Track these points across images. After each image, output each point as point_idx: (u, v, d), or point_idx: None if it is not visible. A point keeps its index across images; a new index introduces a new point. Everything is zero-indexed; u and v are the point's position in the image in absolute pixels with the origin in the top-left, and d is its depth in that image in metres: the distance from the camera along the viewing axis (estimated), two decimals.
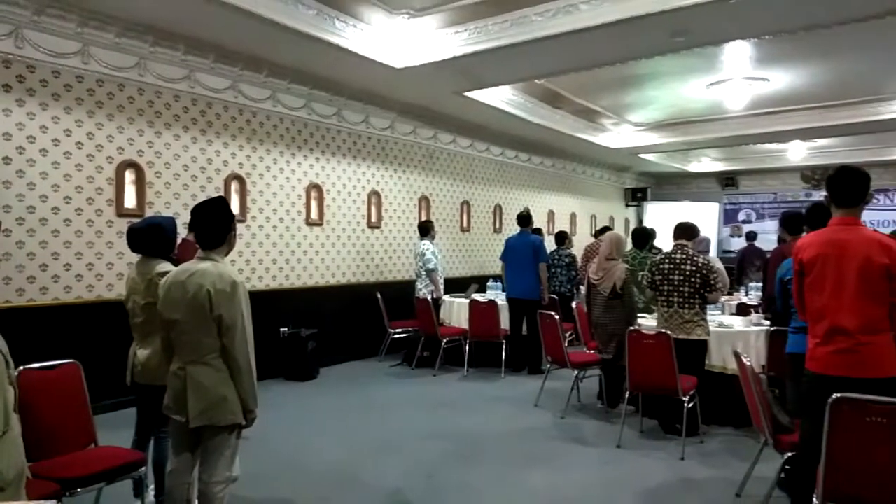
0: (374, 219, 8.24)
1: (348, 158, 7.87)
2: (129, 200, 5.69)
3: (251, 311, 2.72)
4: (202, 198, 5.43)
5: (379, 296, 7.67)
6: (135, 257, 3.47)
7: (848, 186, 2.93)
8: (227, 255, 2.83)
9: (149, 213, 5.74)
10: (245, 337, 2.62)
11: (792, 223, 4.96)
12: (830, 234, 2.96)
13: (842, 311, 2.88)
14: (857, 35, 6.08)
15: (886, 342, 2.88)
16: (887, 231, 5.08)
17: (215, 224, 2.73)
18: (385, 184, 8.44)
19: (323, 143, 7.53)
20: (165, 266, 3.28)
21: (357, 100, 7.69)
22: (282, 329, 6.87)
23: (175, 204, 5.95)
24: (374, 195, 8.25)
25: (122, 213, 5.62)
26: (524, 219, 7.62)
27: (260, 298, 6.64)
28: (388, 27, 6.09)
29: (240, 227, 6.50)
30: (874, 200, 13.23)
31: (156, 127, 5.89)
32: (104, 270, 5.53)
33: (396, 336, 7.75)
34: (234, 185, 6.51)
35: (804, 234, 4.11)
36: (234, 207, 6.45)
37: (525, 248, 7.29)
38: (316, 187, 7.41)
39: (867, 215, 13.31)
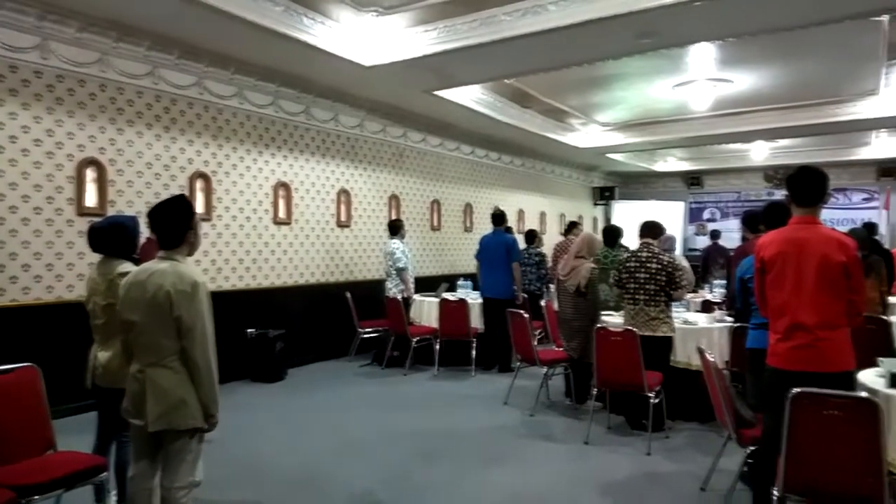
0: (343, 218, 8.18)
1: (317, 157, 7.80)
2: (90, 199, 5.55)
3: (213, 312, 2.67)
4: (165, 196, 5.32)
5: (348, 295, 7.61)
6: (96, 257, 3.39)
7: (807, 186, 3.01)
8: (189, 254, 2.77)
9: (110, 212, 5.61)
10: (205, 339, 2.57)
11: (753, 222, 5.06)
12: (790, 233, 3.04)
13: (801, 308, 2.95)
14: (817, 38, 6.25)
15: (843, 338, 2.97)
16: (845, 229, 5.22)
17: (173, 223, 2.66)
18: (354, 182, 8.39)
19: (291, 140, 7.45)
20: (127, 266, 3.21)
21: (325, 98, 7.63)
22: (248, 330, 6.77)
23: (138, 202, 5.83)
24: (344, 194, 8.19)
25: (82, 212, 5.47)
26: (498, 218, 7.66)
27: (226, 299, 6.56)
28: (356, 25, 6.05)
29: (205, 227, 6.41)
30: (833, 199, 13.62)
31: (118, 124, 5.75)
32: (64, 271, 5.38)
33: (366, 336, 7.70)
34: (198, 184, 6.40)
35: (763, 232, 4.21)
36: (199, 206, 6.35)
37: (499, 247, 7.33)
38: (284, 186, 7.33)
39: (826, 214, 13.67)
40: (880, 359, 3.38)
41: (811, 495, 2.94)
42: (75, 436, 3.49)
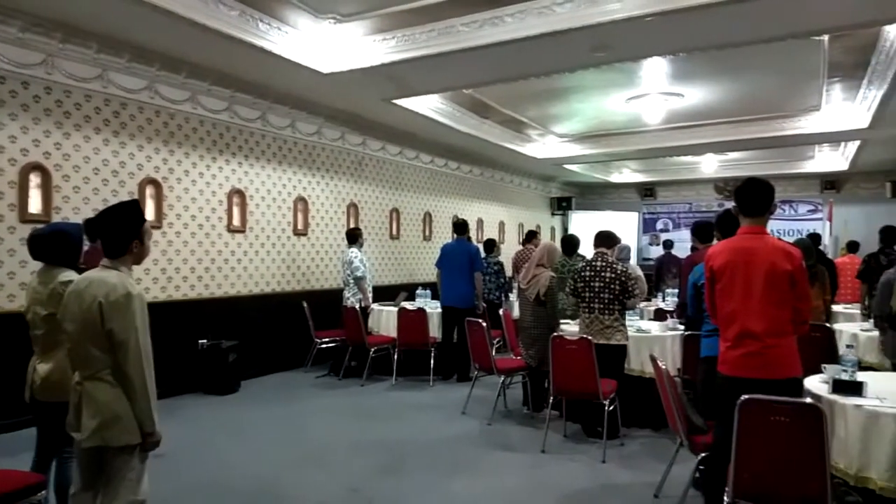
0: (300, 226, 8.06)
1: (273, 164, 7.68)
2: (34, 205, 5.33)
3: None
4: (113, 203, 5.17)
5: (305, 305, 7.50)
6: (39, 266, 3.24)
7: (754, 197, 3.09)
8: (136, 263, 2.67)
9: (56, 218, 5.40)
10: (139, 354, 2.43)
11: (702, 232, 5.20)
12: (739, 243, 3.12)
13: (750, 316, 3.02)
14: (763, 56, 6.48)
15: (790, 345, 3.05)
16: (791, 240, 5.40)
17: (118, 231, 2.55)
18: (312, 190, 8.29)
19: (246, 147, 7.32)
20: (70, 275, 3.08)
21: (282, 104, 7.53)
22: (200, 341, 6.58)
23: (84, 209, 5.63)
24: (301, 202, 8.08)
25: (25, 218, 5.25)
26: (460, 226, 7.67)
27: (177, 309, 6.39)
28: (314, 32, 6.00)
29: (156, 234, 6.22)
30: (780, 211, 14.11)
31: (64, 128, 5.55)
32: (5, 280, 5.15)
33: (323, 346, 7.59)
34: (149, 190, 6.22)
35: (714, 241, 4.31)
36: (149, 213, 6.17)
37: (461, 256, 7.33)
38: (238, 193, 7.18)
39: (774, 225, 14.17)
40: (824, 365, 3.49)
41: (760, 500, 3.01)
42: (14, 453, 3.33)
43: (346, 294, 7.43)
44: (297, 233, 8.02)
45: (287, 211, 7.89)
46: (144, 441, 2.50)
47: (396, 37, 5.96)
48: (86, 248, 4.12)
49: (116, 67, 5.84)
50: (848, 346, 3.65)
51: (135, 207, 2.66)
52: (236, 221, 7.14)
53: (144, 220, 2.65)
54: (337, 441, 5.01)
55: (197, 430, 5.23)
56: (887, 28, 5.77)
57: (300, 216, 8.07)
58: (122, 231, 2.55)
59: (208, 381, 6.49)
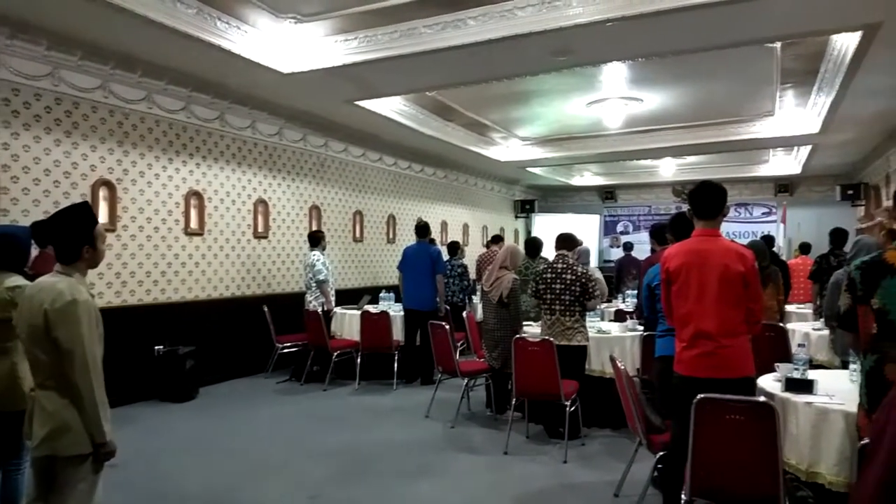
0: (260, 228, 7.93)
1: (232, 165, 7.54)
2: None
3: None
4: (66, 205, 5.00)
5: (266, 309, 7.38)
6: None
7: (708, 200, 3.16)
8: (91, 268, 2.57)
9: (3, 221, 5.19)
10: (86, 362, 2.34)
11: (660, 234, 5.29)
12: (693, 245, 3.18)
13: (705, 317, 3.08)
14: (719, 62, 6.64)
15: (744, 345, 3.12)
16: (745, 241, 5.54)
17: (69, 236, 2.46)
18: (273, 192, 8.17)
19: (204, 148, 7.17)
20: (17, 280, 2.97)
21: (242, 104, 7.41)
22: (157, 347, 6.42)
23: (35, 212, 5.43)
24: (261, 204, 7.95)
25: None
26: (422, 229, 7.65)
27: (131, 314, 6.22)
28: (274, 31, 5.92)
29: (110, 237, 6.06)
30: (735, 213, 14.48)
31: (13, 128, 5.35)
32: None
33: (285, 351, 7.48)
34: (102, 192, 6.04)
35: (669, 243, 4.39)
36: (103, 215, 5.99)
37: (423, 259, 7.31)
38: (196, 194, 7.03)
39: (729, 227, 14.53)
40: (777, 364, 3.59)
41: (716, 497, 3.07)
42: None
43: (309, 297, 7.34)
44: (257, 235, 7.89)
45: (247, 213, 7.76)
46: (96, 451, 2.42)
47: (358, 38, 5.92)
48: (35, 252, 3.98)
49: (68, 65, 5.66)
50: (799, 346, 3.76)
51: (85, 210, 2.56)
52: (194, 224, 6.99)
53: (96, 223, 2.56)
54: (297, 448, 4.93)
55: (152, 438, 5.10)
56: (834, 37, 5.97)
57: (260, 218, 7.94)
58: (72, 236, 2.45)
59: (165, 388, 6.33)
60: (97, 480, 2.50)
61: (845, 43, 5.90)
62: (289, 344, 7.47)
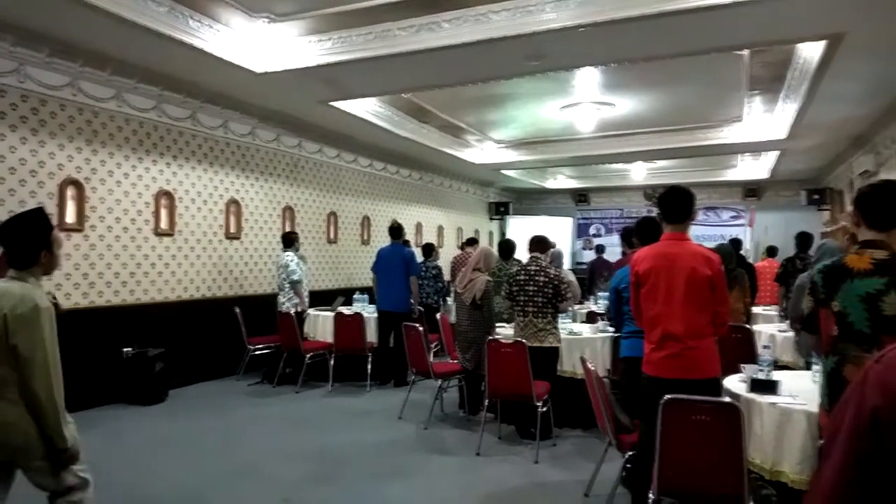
0: (232, 229, 7.85)
1: (204, 165, 7.45)
2: None
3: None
4: (32, 205, 4.90)
5: (237, 310, 7.30)
6: None
7: (676, 205, 3.22)
8: (46, 273, 2.53)
9: None
10: (47, 370, 2.30)
11: (630, 238, 5.38)
12: (662, 248, 3.24)
13: (672, 319, 3.15)
14: (689, 68, 6.76)
15: (710, 346, 3.20)
16: (714, 245, 5.64)
17: (25, 241, 2.40)
18: (245, 192, 8.09)
19: (175, 147, 7.07)
20: None
21: (214, 103, 7.32)
22: (125, 349, 6.30)
23: None
24: (233, 204, 7.87)
25: None
26: (395, 231, 7.64)
27: (99, 316, 6.11)
28: (247, 30, 5.87)
29: (77, 238, 5.95)
30: (704, 217, 14.75)
31: None
32: None
33: (257, 353, 7.41)
34: (70, 191, 5.92)
35: (635, 246, 4.46)
36: (70, 215, 5.89)
37: (397, 260, 7.31)
38: (166, 194, 6.93)
39: (699, 230, 14.74)
40: (743, 365, 3.67)
41: (682, 496, 3.13)
42: None
43: (282, 299, 7.28)
44: (229, 236, 7.81)
45: (219, 214, 7.67)
46: (59, 458, 2.38)
47: (332, 38, 5.90)
48: None
49: (35, 62, 5.54)
50: (764, 347, 3.84)
51: (40, 215, 2.51)
52: (164, 224, 6.89)
53: (52, 228, 2.52)
54: (269, 450, 4.89)
55: (120, 442, 5.01)
56: (800, 46, 6.12)
57: (233, 219, 7.85)
58: (28, 241, 2.40)
59: (133, 390, 6.22)
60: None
61: (811, 52, 6.06)
62: (261, 346, 7.39)
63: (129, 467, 4.45)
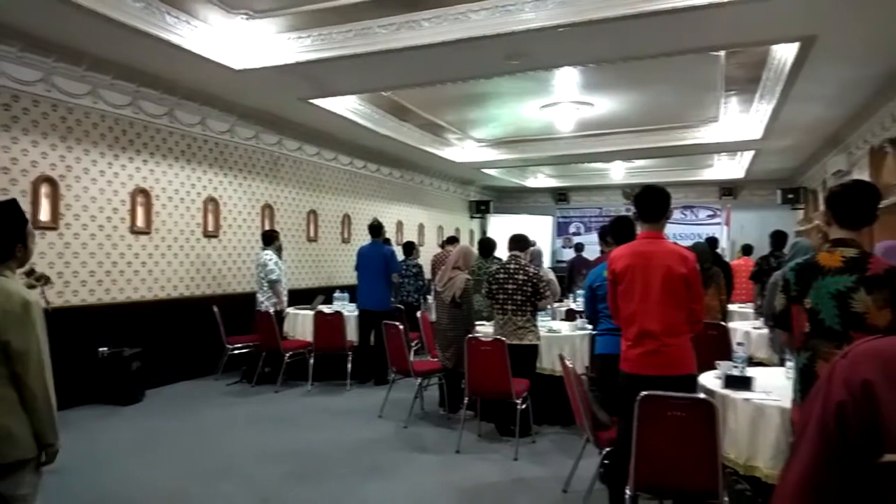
0: (210, 227, 7.77)
1: (181, 162, 7.37)
2: None
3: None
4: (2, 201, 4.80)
5: (216, 309, 7.23)
6: None
7: (652, 204, 3.26)
8: (20, 267, 2.49)
9: None
10: (41, 364, 2.29)
11: (606, 236, 5.42)
12: (638, 247, 3.28)
13: (648, 316, 3.19)
14: (666, 69, 6.83)
15: (686, 343, 3.24)
16: (690, 243, 5.72)
17: (2, 233, 2.38)
18: (224, 190, 8.02)
19: (152, 144, 6.98)
20: None
21: (192, 100, 7.24)
22: (101, 349, 6.21)
23: None
24: (211, 202, 7.79)
25: None
26: (375, 229, 7.63)
27: (74, 315, 6.02)
28: (225, 27, 5.81)
29: (51, 236, 5.86)
30: (682, 216, 14.93)
31: None
32: None
33: (235, 352, 7.35)
34: (44, 189, 5.82)
35: (609, 245, 4.51)
36: (45, 213, 5.79)
37: (377, 259, 7.30)
38: (143, 192, 6.83)
39: (677, 229, 14.89)
40: (718, 362, 3.73)
41: (659, 491, 3.18)
42: None
43: (261, 298, 7.23)
44: (207, 234, 7.73)
45: (196, 212, 7.59)
46: (45, 452, 2.36)
47: (312, 36, 5.87)
48: None
49: (7, 57, 5.43)
50: (739, 344, 3.91)
51: (14, 208, 2.47)
52: (140, 222, 6.80)
53: (27, 221, 2.49)
54: (248, 450, 4.86)
55: (95, 442, 4.94)
56: (775, 48, 6.22)
57: (210, 217, 7.77)
58: (2, 234, 2.37)
59: (109, 390, 6.14)
60: (39, 485, 2.43)
61: (785, 53, 6.16)
62: (240, 345, 7.34)
63: (104, 468, 4.39)
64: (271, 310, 7.06)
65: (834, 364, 0.89)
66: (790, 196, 12.86)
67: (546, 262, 10.43)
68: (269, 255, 7.22)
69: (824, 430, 0.86)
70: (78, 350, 5.99)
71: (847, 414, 0.82)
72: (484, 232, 15.69)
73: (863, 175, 8.08)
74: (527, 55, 5.81)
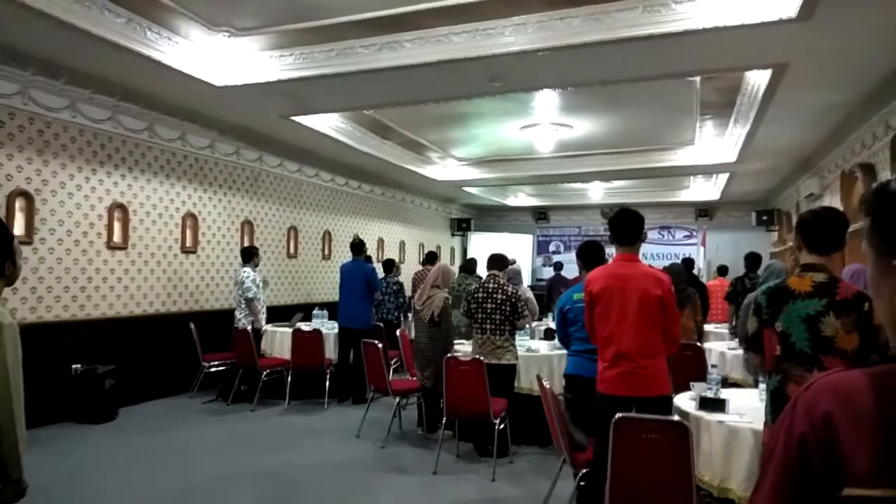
0: (188, 243, 7.70)
1: (160, 177, 7.31)
2: None
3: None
4: None
5: (192, 326, 7.14)
6: None
7: (626, 228, 3.32)
8: (9, 285, 2.43)
9: None
10: (8, 392, 2.14)
11: None
12: (615, 269, 3.33)
13: (625, 338, 3.23)
14: (644, 93, 6.96)
15: (661, 365, 3.29)
16: (668, 263, 5.80)
17: None
18: (203, 206, 7.96)
19: (130, 159, 6.92)
20: None
21: (172, 115, 7.20)
22: (74, 365, 6.10)
23: None
24: (190, 217, 7.73)
25: None
26: (357, 247, 7.61)
27: (48, 331, 5.92)
28: (207, 44, 5.81)
29: (26, 251, 5.76)
30: (659, 236, 15.12)
31: None
32: None
33: (212, 369, 7.25)
34: (19, 203, 5.74)
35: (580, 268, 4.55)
36: (19, 228, 5.70)
37: (358, 277, 7.28)
38: (120, 207, 6.76)
39: (654, 249, 15.03)
40: (692, 383, 3.77)
41: None
42: None
43: (238, 315, 7.17)
44: (185, 250, 7.66)
45: (174, 227, 7.52)
46: (8, 490, 2.21)
47: (294, 54, 5.90)
48: None
49: None
50: (713, 366, 3.95)
51: (1, 225, 2.42)
52: (117, 237, 6.72)
53: (13, 237, 2.43)
54: (223, 471, 4.78)
55: (67, 462, 4.84)
56: (748, 74, 6.38)
57: (189, 233, 7.71)
58: None
59: (82, 408, 6.02)
60: None
61: (758, 79, 6.32)
62: (216, 362, 7.25)
63: (73, 488, 4.30)
64: (248, 327, 6.99)
65: (797, 395, 0.91)
66: (764, 218, 13.09)
67: (526, 280, 10.48)
68: (248, 272, 7.16)
69: (788, 460, 0.88)
70: (51, 367, 5.88)
71: (808, 446, 0.84)
72: (465, 249, 15.73)
73: (834, 198, 8.27)
74: (507, 77, 5.89)
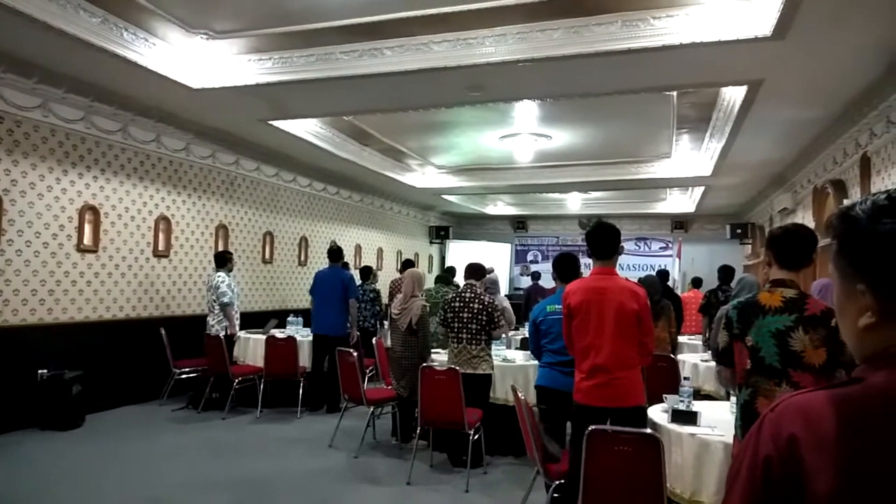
0: (161, 247, 7.57)
1: (133, 179, 7.19)
2: None
3: None
4: None
5: (163, 331, 7.02)
6: None
7: (603, 242, 3.36)
8: None
9: None
10: None
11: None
12: (592, 282, 3.35)
13: (601, 350, 3.26)
14: (621, 106, 7.05)
15: (636, 376, 3.32)
16: (644, 274, 5.84)
17: None
18: (177, 209, 7.84)
19: (103, 160, 6.80)
20: None
21: (147, 117, 7.09)
22: (40, 371, 5.95)
23: None
24: (163, 221, 7.61)
25: None
26: (335, 253, 7.54)
27: (13, 335, 5.78)
28: (184, 46, 5.74)
29: None
30: (636, 247, 15.26)
31: None
32: None
33: (182, 376, 7.12)
34: None
35: (554, 280, 4.59)
36: None
37: (335, 284, 7.20)
38: (92, 209, 6.63)
39: (632, 260, 15.17)
40: (665, 395, 3.79)
41: None
42: None
43: (211, 321, 7.05)
44: (157, 254, 7.53)
45: (147, 230, 7.39)
46: None
47: (273, 58, 5.85)
48: None
49: None
50: (685, 379, 3.99)
51: None
52: (87, 240, 6.58)
53: None
54: (191, 480, 4.69)
55: (29, 470, 4.71)
56: (724, 89, 6.48)
57: (162, 236, 7.58)
58: None
59: (47, 415, 5.87)
60: None
61: (734, 95, 6.42)
62: (187, 369, 7.12)
63: (39, 497, 4.19)
64: (221, 333, 6.89)
65: (763, 417, 0.91)
66: (738, 231, 13.29)
67: (503, 289, 10.50)
68: (222, 277, 7.06)
69: (752, 480, 0.88)
70: (16, 372, 5.74)
71: (773, 469, 0.85)
72: (443, 257, 15.73)
73: (807, 213, 8.43)
74: (487, 87, 5.91)
